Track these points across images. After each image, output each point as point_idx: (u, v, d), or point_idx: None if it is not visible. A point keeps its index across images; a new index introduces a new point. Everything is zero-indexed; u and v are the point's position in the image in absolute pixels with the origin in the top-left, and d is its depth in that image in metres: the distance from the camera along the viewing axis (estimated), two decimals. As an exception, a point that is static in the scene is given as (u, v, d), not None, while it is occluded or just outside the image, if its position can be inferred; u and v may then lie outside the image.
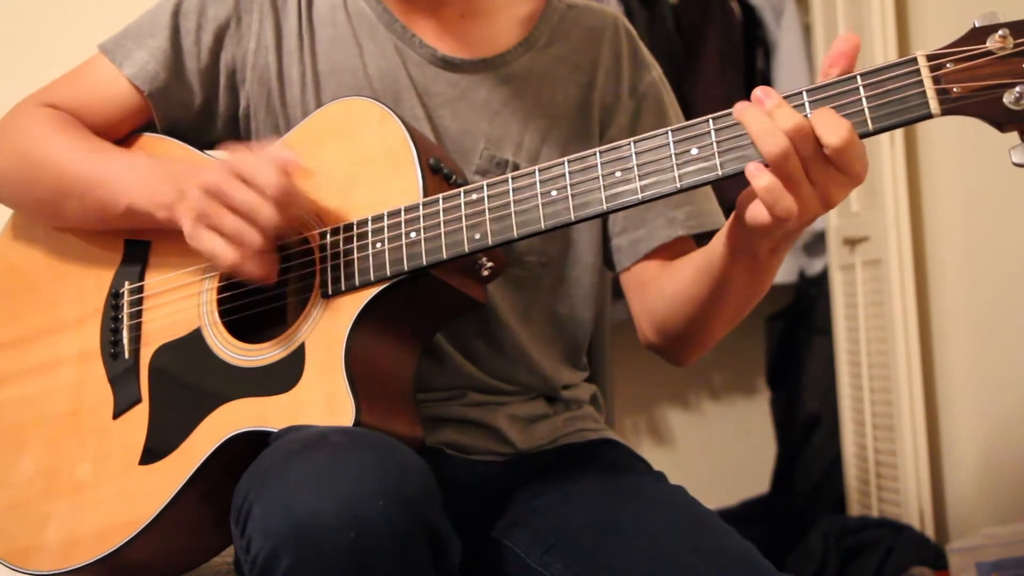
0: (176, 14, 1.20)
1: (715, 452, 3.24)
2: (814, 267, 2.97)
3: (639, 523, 1.07)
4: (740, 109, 0.90)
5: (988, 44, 0.85)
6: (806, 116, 0.88)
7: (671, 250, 1.21)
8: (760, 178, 0.89)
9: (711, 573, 1.01)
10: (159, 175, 1.11)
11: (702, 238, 1.23)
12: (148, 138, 1.22)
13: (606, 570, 1.04)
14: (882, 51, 2.45)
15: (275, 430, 0.99)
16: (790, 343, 3.00)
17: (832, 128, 0.87)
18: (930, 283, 2.51)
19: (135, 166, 1.14)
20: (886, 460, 2.53)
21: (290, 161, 1.02)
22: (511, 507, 1.16)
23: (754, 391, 3.31)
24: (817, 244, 2.92)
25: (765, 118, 0.88)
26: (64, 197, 1.16)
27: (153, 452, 1.07)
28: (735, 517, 2.86)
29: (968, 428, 2.43)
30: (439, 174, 1.07)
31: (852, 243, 2.63)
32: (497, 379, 1.20)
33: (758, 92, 0.90)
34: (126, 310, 1.15)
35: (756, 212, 0.92)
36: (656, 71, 1.29)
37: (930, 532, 2.39)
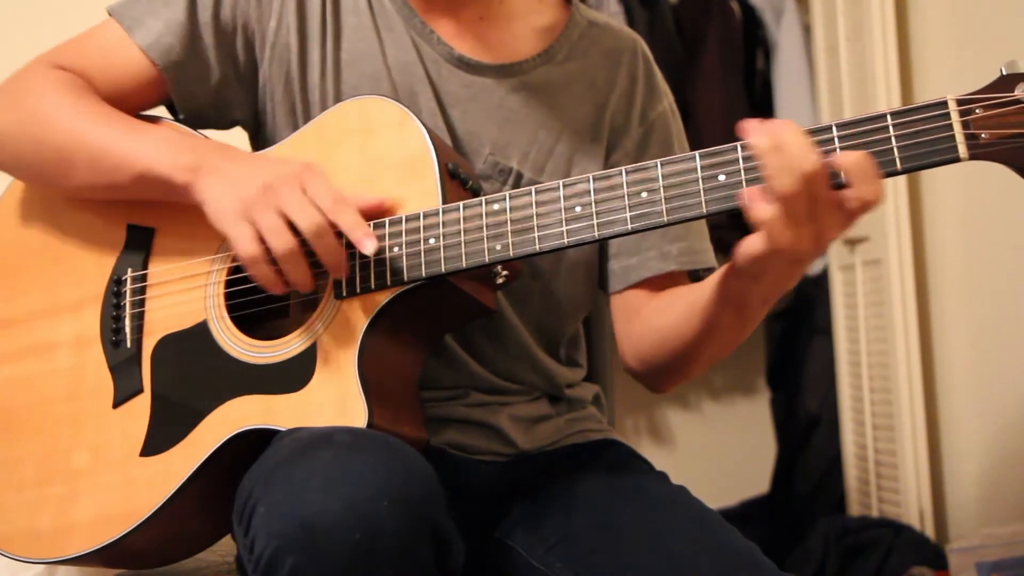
0: None
1: (715, 452, 3.24)
2: (814, 267, 2.97)
3: (641, 523, 1.07)
4: (756, 143, 0.89)
5: (1017, 92, 0.87)
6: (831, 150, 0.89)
7: (661, 282, 1.22)
8: (759, 208, 0.89)
9: (713, 572, 1.01)
10: (180, 143, 1.08)
11: (693, 273, 1.23)
12: (167, 123, 1.19)
13: (608, 570, 1.04)
14: (882, 51, 2.46)
15: (283, 429, 0.99)
16: (790, 343, 3.00)
17: (871, 183, 0.88)
18: (930, 283, 2.51)
19: (153, 132, 1.11)
20: (886, 460, 2.53)
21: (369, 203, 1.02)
22: (513, 507, 1.16)
23: (754, 391, 3.31)
24: (817, 244, 2.92)
25: (778, 155, 0.88)
26: (73, 158, 1.12)
27: (155, 443, 1.07)
28: (735, 517, 2.86)
29: (968, 428, 2.43)
30: (457, 179, 1.06)
31: (852, 243, 2.63)
32: (501, 378, 1.20)
33: (779, 125, 0.90)
34: (129, 297, 1.14)
35: (751, 243, 0.92)
36: (668, 99, 1.29)
37: (930, 532, 2.39)
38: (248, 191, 1.00)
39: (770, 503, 3.01)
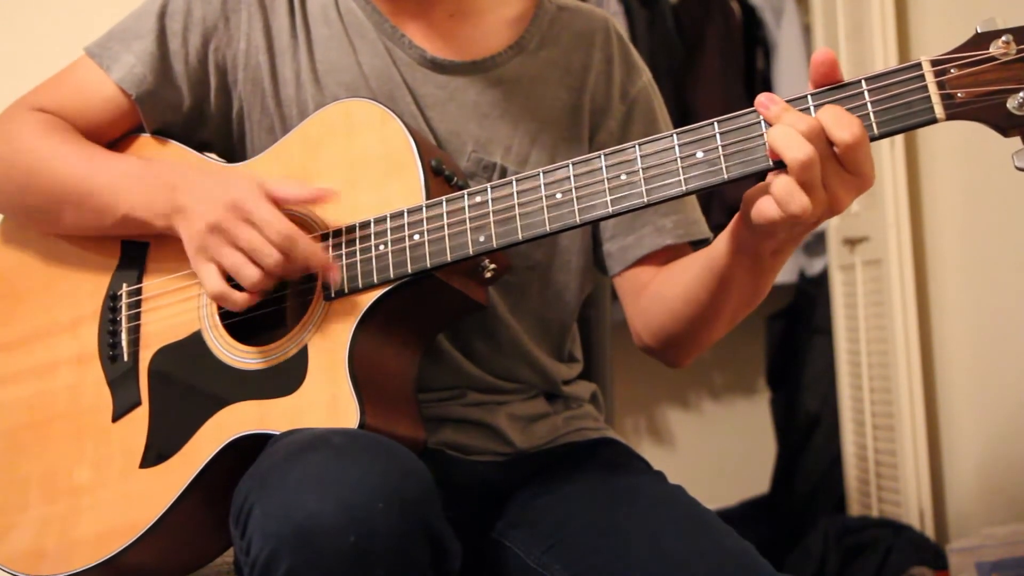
0: (162, 16, 1.19)
1: (715, 452, 3.24)
2: (814, 267, 2.97)
3: (638, 523, 1.07)
4: (766, 115, 0.90)
5: (991, 50, 0.86)
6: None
7: (661, 257, 1.21)
8: (776, 179, 0.89)
9: (710, 573, 1.01)
10: (154, 184, 1.10)
11: (690, 246, 1.23)
12: (144, 140, 1.21)
13: (605, 570, 1.04)
14: (882, 51, 2.46)
15: (277, 433, 0.99)
16: (790, 343, 3.00)
17: (844, 124, 0.87)
18: (930, 283, 2.51)
19: (129, 173, 1.13)
20: (886, 460, 2.53)
21: (312, 196, 1.04)
22: (511, 507, 1.16)
23: (754, 391, 3.31)
24: (817, 244, 2.92)
25: (786, 126, 0.88)
26: (59, 205, 1.16)
27: (154, 455, 1.07)
28: (735, 517, 2.86)
29: (968, 428, 2.43)
30: (440, 175, 1.07)
31: (852, 243, 2.63)
32: (497, 377, 1.20)
33: (762, 99, 0.90)
34: (124, 312, 1.15)
35: (765, 207, 0.91)
36: (646, 75, 1.29)
37: (930, 532, 2.39)
38: (201, 236, 1.05)
39: (770, 503, 3.01)
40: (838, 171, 0.89)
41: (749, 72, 3.03)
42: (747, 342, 3.08)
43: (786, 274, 3.01)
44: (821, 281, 2.88)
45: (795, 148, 0.87)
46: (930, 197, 2.51)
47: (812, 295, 2.93)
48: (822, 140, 0.88)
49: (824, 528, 2.46)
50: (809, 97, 0.90)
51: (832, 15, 2.68)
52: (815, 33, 2.82)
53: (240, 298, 1.04)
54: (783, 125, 0.88)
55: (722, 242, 1.03)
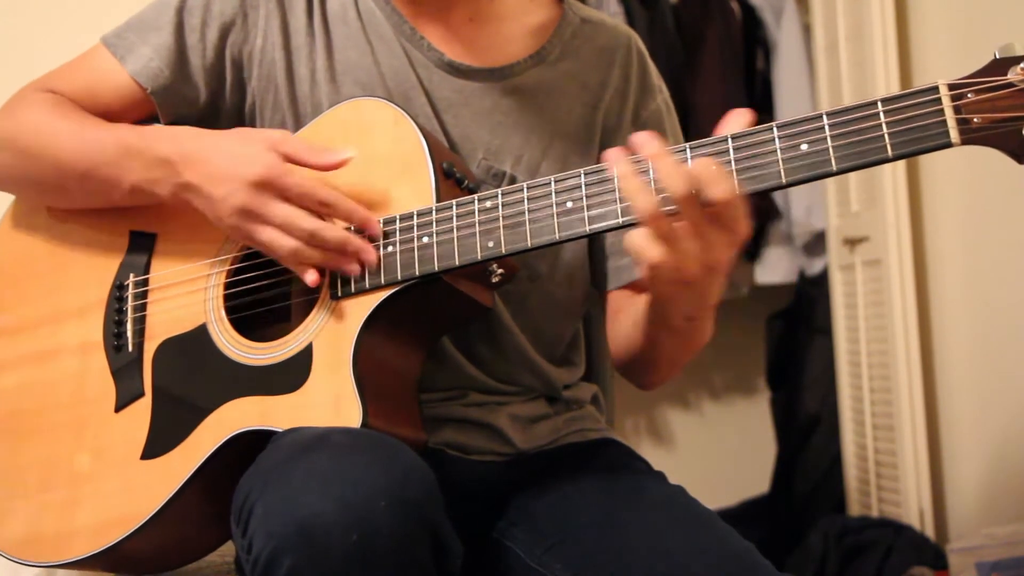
0: (181, 10, 1.19)
1: (715, 452, 3.24)
2: (814, 267, 2.97)
3: (639, 523, 1.07)
4: (615, 165, 0.92)
5: (1009, 76, 0.85)
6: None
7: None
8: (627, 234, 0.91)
9: (711, 573, 1.01)
10: (151, 160, 1.09)
11: None
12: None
13: (606, 570, 1.04)
14: (882, 51, 2.46)
15: (279, 430, 0.99)
16: (790, 343, 3.00)
17: (718, 181, 0.88)
18: (930, 283, 2.51)
19: (128, 148, 1.11)
20: (886, 460, 2.53)
21: (332, 163, 1.03)
22: (511, 507, 1.16)
23: (754, 391, 3.31)
24: (817, 244, 2.93)
25: (636, 178, 0.90)
26: (65, 178, 1.15)
27: (155, 447, 1.07)
28: (735, 517, 2.86)
29: (968, 428, 2.43)
30: (451, 178, 1.07)
31: (852, 243, 2.63)
32: (499, 380, 1.20)
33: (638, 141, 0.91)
34: (130, 302, 1.15)
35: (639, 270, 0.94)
36: (662, 96, 1.28)
37: (930, 532, 2.39)
38: (232, 220, 1.04)
39: (770, 503, 3.01)
40: (710, 225, 0.89)
41: (749, 72, 3.03)
42: (747, 342, 3.08)
43: (786, 274, 3.02)
44: (821, 281, 2.88)
45: (642, 199, 0.89)
46: (930, 197, 2.51)
47: (812, 295, 2.93)
48: (692, 199, 0.88)
49: (824, 528, 2.46)
50: (825, 116, 0.90)
51: (832, 15, 2.68)
52: (815, 33, 2.82)
53: (316, 253, 1.03)
54: (636, 178, 0.90)
55: (643, 306, 1.06)
